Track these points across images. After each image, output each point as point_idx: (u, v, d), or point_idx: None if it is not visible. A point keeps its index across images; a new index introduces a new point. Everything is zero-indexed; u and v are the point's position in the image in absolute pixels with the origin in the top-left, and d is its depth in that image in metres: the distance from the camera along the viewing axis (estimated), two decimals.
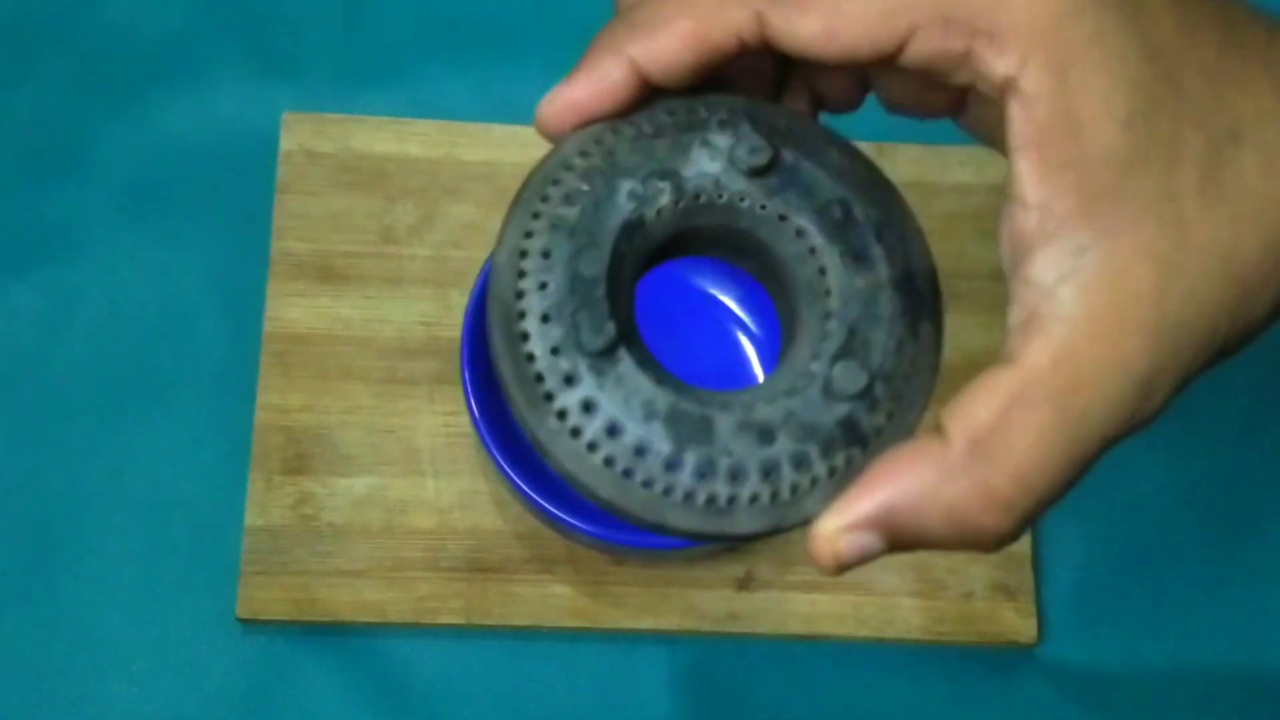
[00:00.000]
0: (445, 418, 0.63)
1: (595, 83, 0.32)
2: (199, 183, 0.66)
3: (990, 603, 0.62)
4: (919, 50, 0.29)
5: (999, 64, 0.29)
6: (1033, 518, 0.30)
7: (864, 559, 0.31)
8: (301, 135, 0.66)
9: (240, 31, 0.69)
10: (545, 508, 0.57)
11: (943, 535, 0.30)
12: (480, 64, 0.69)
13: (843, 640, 0.62)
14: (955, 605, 0.62)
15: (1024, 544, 0.63)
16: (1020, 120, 0.29)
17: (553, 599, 0.61)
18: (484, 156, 0.66)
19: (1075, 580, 0.64)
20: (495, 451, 0.57)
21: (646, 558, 0.61)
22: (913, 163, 0.67)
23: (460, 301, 0.63)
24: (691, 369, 0.58)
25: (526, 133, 0.66)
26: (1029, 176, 0.30)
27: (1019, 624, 0.62)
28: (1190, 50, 0.30)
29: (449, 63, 0.69)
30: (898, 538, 0.30)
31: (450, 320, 0.64)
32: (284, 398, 0.62)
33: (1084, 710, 0.62)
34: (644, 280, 0.33)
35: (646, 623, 0.61)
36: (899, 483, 0.30)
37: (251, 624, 0.60)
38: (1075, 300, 0.29)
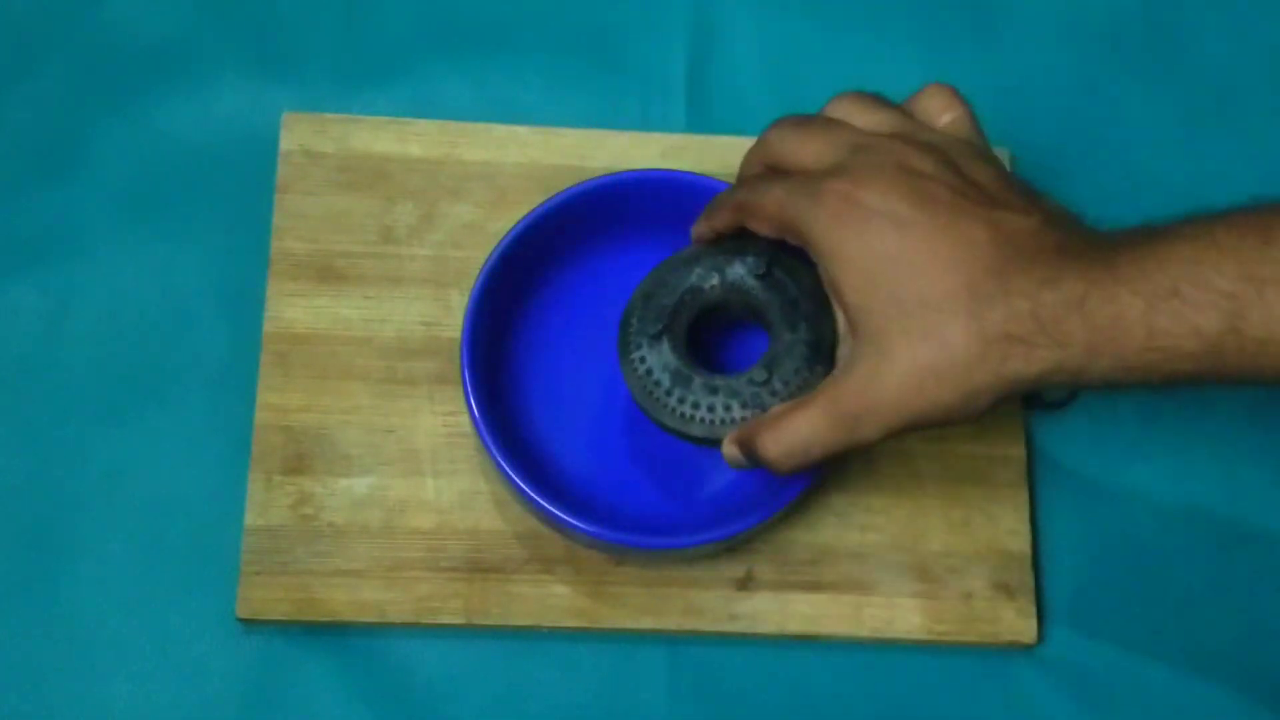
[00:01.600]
0: (445, 418, 0.63)
1: (712, 227, 0.58)
2: (199, 183, 0.66)
3: (990, 603, 0.62)
4: None
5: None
6: (805, 459, 0.53)
7: (739, 465, 0.55)
8: (301, 135, 0.66)
9: (240, 31, 0.69)
10: (545, 508, 0.57)
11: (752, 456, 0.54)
12: (480, 64, 0.69)
13: (843, 640, 0.62)
14: (955, 605, 0.62)
15: (1024, 544, 0.63)
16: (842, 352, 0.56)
17: (553, 599, 0.61)
18: (484, 156, 0.66)
19: (1075, 580, 0.64)
20: (495, 451, 0.57)
21: (646, 558, 0.61)
22: None
23: (460, 301, 0.63)
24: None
25: (526, 133, 0.67)
26: (842, 326, 0.56)
27: (1019, 624, 0.62)
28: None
29: (449, 63, 0.69)
30: (743, 450, 0.55)
31: (450, 320, 0.64)
32: (284, 398, 0.62)
33: (1084, 710, 0.62)
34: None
35: (646, 623, 0.61)
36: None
37: (251, 624, 0.60)
38: (842, 372, 0.52)
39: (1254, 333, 0.46)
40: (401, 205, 0.65)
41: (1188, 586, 0.64)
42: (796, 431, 0.52)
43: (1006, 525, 0.63)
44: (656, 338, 0.58)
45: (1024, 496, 0.64)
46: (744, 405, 0.56)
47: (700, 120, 0.69)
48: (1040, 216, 0.50)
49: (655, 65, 0.70)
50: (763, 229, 0.55)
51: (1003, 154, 0.68)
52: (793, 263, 0.58)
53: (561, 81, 0.69)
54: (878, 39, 0.71)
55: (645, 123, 0.69)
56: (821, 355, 0.56)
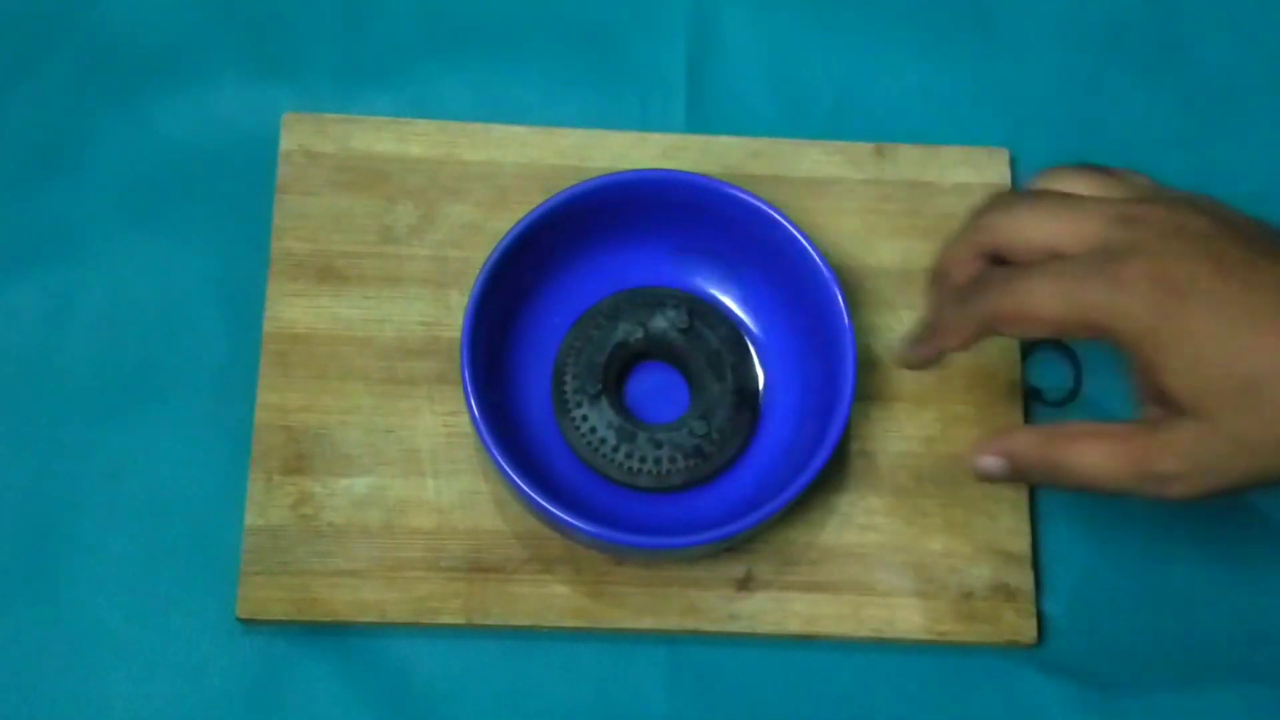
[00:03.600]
0: (445, 418, 0.63)
1: (942, 349, 0.54)
2: (199, 183, 0.66)
3: (990, 603, 0.62)
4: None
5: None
6: (1067, 484, 0.51)
7: (990, 477, 0.53)
8: (301, 135, 0.66)
9: (240, 32, 0.69)
10: (545, 508, 0.57)
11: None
12: (480, 64, 0.69)
13: (843, 640, 0.62)
14: (955, 605, 0.62)
15: (1024, 544, 0.63)
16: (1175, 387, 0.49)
17: (553, 599, 0.61)
18: (484, 156, 0.66)
19: (1075, 580, 0.64)
20: (495, 451, 0.57)
21: (646, 558, 0.61)
22: (913, 163, 0.67)
23: (460, 301, 0.63)
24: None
25: (526, 133, 0.67)
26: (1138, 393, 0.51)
27: (1019, 624, 0.62)
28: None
29: (449, 63, 0.69)
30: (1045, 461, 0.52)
31: (450, 320, 0.64)
32: (284, 398, 0.62)
33: (1084, 710, 0.62)
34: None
35: (646, 623, 0.61)
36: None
37: (251, 624, 0.60)
38: (1160, 431, 0.49)
39: None
40: (401, 205, 0.65)
41: (1188, 587, 0.64)
42: (1086, 458, 0.50)
43: (1006, 525, 0.63)
44: (596, 397, 0.61)
45: (1024, 496, 0.64)
46: (686, 456, 0.61)
47: (700, 120, 0.69)
48: None
49: (655, 65, 0.70)
50: (1033, 332, 0.50)
51: (1002, 154, 0.68)
52: (710, 315, 0.63)
53: (561, 81, 0.69)
54: (877, 39, 0.71)
55: (645, 123, 0.69)
56: (746, 402, 0.62)
